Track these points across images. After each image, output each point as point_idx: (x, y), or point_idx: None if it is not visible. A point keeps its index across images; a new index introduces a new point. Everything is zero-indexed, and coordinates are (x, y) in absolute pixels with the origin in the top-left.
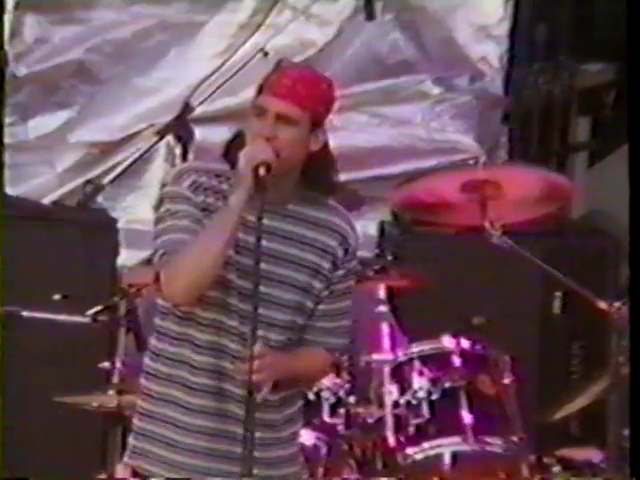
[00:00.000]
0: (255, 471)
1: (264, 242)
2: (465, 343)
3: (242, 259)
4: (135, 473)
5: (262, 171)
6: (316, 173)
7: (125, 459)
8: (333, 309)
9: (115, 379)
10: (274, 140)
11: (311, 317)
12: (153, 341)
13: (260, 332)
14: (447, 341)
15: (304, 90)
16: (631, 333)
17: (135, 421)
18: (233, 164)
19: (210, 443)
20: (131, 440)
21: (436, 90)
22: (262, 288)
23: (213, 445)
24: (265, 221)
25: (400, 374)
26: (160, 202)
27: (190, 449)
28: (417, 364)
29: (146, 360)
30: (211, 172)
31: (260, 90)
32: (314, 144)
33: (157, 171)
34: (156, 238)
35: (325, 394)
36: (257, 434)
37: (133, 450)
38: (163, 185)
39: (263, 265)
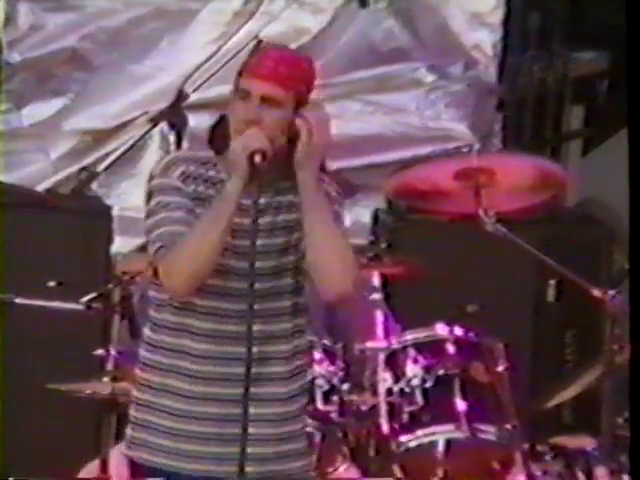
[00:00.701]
0: (269, 449)
1: (248, 219)
2: (459, 331)
3: (238, 242)
4: (133, 463)
5: (257, 159)
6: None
7: (123, 449)
8: None
9: (109, 366)
10: (260, 123)
11: None
12: (148, 332)
13: (271, 304)
14: (441, 329)
15: (286, 70)
16: (631, 320)
17: (132, 412)
18: (218, 150)
19: (217, 428)
20: (129, 431)
21: (430, 78)
22: (263, 263)
23: (220, 430)
24: (246, 200)
25: (394, 362)
26: (150, 195)
27: (197, 436)
28: (411, 352)
29: (142, 352)
30: (198, 160)
31: (240, 74)
32: (300, 125)
33: (151, 158)
34: (150, 232)
35: (319, 382)
36: (268, 410)
37: (132, 441)
38: (151, 177)
39: (260, 241)
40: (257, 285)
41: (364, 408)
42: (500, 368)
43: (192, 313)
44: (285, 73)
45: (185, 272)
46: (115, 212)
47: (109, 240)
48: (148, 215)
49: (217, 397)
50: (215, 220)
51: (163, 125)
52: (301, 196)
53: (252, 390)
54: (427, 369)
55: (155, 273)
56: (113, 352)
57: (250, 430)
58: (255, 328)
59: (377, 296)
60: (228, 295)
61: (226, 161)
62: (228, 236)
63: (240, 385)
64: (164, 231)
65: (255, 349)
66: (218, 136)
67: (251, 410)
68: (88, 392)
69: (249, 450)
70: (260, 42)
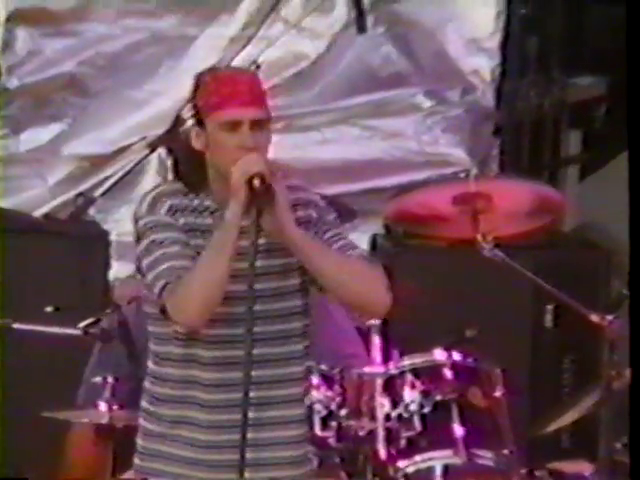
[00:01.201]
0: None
1: (247, 241)
2: (456, 356)
3: (239, 265)
4: None
5: (257, 183)
6: None
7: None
8: (331, 235)
9: (107, 393)
10: (258, 149)
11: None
12: (153, 366)
13: (278, 326)
14: (439, 354)
15: (258, 90)
16: (631, 345)
17: (142, 442)
18: (195, 189)
19: (231, 455)
20: (137, 461)
21: (428, 103)
22: (267, 284)
23: (234, 456)
24: (246, 221)
25: (392, 387)
26: (141, 235)
27: (215, 465)
28: (409, 377)
29: (148, 385)
30: (181, 192)
31: (200, 110)
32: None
33: (149, 184)
34: (149, 271)
35: (316, 407)
36: (273, 413)
37: (141, 470)
38: (139, 218)
39: (260, 262)
40: (273, 305)
41: (362, 433)
42: (498, 393)
43: (199, 343)
44: (259, 93)
45: (198, 303)
46: (113, 237)
47: (107, 265)
48: (143, 255)
49: (228, 424)
50: (221, 247)
51: (161, 150)
52: (285, 243)
53: (264, 414)
54: (425, 394)
55: (163, 311)
56: (110, 379)
57: (265, 455)
58: (258, 351)
59: (375, 321)
60: (235, 321)
61: (209, 190)
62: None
63: (250, 410)
64: (165, 268)
65: (261, 372)
66: (191, 175)
67: (264, 434)
68: (85, 421)
69: (263, 475)
70: (201, 74)
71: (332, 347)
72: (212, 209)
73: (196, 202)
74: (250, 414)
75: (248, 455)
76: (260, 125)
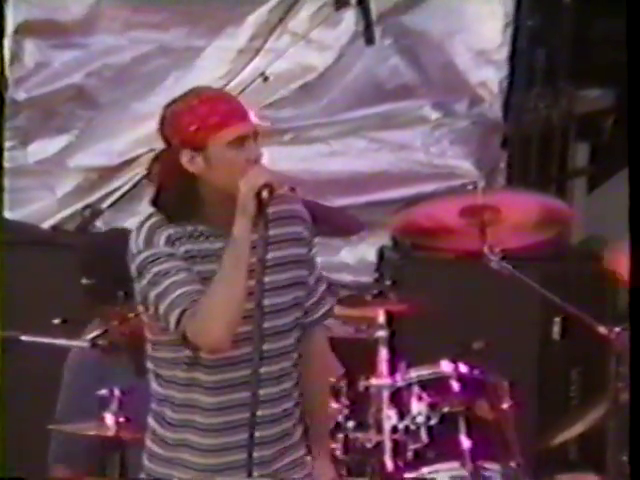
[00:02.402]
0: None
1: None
2: (464, 368)
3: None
4: None
5: (265, 194)
6: None
7: None
8: (315, 278)
9: (113, 406)
10: (260, 159)
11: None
12: (158, 388)
13: (272, 345)
14: (446, 366)
15: (243, 104)
16: (631, 358)
17: (148, 464)
18: (189, 218)
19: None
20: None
21: (435, 115)
22: (272, 300)
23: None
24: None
25: (399, 399)
26: (142, 269)
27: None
28: (416, 389)
29: (155, 406)
30: (169, 221)
31: (195, 134)
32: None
33: None
34: (159, 303)
35: None
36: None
37: None
38: (138, 252)
39: (267, 278)
40: (268, 324)
41: (369, 445)
42: (505, 405)
43: (200, 367)
44: (244, 108)
45: (222, 323)
46: None
47: None
48: (149, 288)
49: (228, 446)
50: (235, 264)
51: None
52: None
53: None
54: (432, 406)
55: (185, 338)
56: (117, 392)
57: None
58: (263, 370)
59: (382, 333)
60: (239, 341)
61: (199, 215)
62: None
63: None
64: (179, 295)
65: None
66: (180, 203)
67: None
68: (91, 433)
69: None
70: (174, 101)
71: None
72: (207, 234)
73: (190, 229)
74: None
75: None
76: (256, 137)
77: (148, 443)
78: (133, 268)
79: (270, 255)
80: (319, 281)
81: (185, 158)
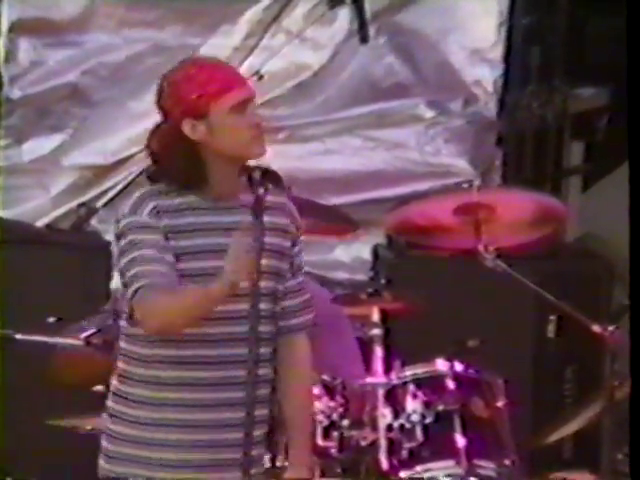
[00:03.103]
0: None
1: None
2: (459, 366)
3: (215, 263)
4: None
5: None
6: None
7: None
8: (297, 284)
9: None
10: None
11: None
12: (131, 368)
13: (247, 327)
14: (441, 364)
15: (238, 71)
16: (631, 357)
17: (119, 448)
18: (198, 185)
19: (213, 454)
20: (107, 466)
21: (430, 113)
22: (264, 283)
23: (216, 456)
24: (228, 217)
25: (394, 397)
26: (120, 235)
27: (194, 465)
28: (411, 387)
29: (124, 387)
30: (169, 192)
31: (197, 101)
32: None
33: None
34: (124, 272)
35: (318, 417)
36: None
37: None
38: (121, 218)
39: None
40: (243, 306)
41: (364, 444)
42: (500, 404)
43: (192, 343)
44: (240, 74)
45: (166, 324)
46: None
47: (108, 276)
48: (120, 255)
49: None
50: (205, 304)
51: None
52: None
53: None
54: (427, 405)
55: (132, 311)
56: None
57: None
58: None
59: (377, 331)
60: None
61: (204, 184)
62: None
63: (237, 410)
64: (139, 272)
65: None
66: (191, 172)
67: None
68: (88, 428)
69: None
70: (169, 73)
71: (336, 363)
72: (194, 206)
73: (177, 201)
74: (228, 414)
75: (209, 456)
76: (253, 102)
77: (113, 426)
78: (114, 231)
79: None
80: (303, 288)
81: (187, 127)
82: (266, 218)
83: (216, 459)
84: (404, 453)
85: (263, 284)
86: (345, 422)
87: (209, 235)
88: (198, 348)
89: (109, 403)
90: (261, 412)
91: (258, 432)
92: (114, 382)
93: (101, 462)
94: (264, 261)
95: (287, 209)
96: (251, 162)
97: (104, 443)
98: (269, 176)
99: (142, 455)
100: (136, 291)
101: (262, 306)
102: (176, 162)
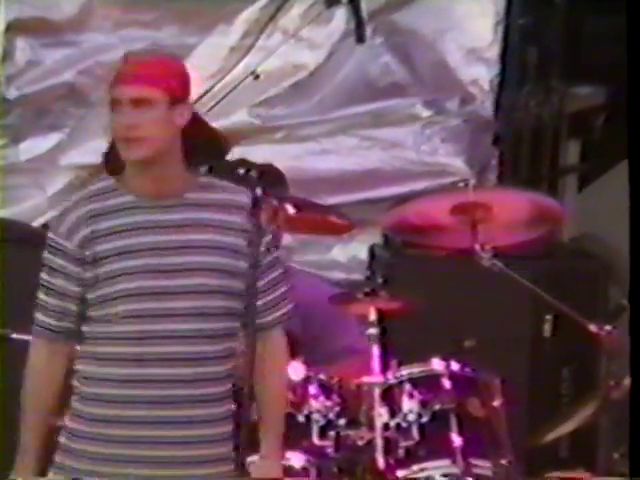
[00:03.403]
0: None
1: (171, 236)
2: (455, 366)
3: (153, 261)
4: None
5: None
6: (199, 154)
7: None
8: (267, 282)
9: None
10: (137, 127)
11: (249, 298)
12: (85, 367)
13: (193, 325)
14: (437, 364)
15: (151, 69)
16: (631, 356)
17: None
18: (115, 171)
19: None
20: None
21: (426, 113)
22: (185, 280)
23: (152, 453)
24: (167, 216)
25: (390, 397)
26: (45, 246)
27: (133, 460)
28: (407, 387)
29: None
30: (98, 193)
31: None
32: (179, 120)
33: None
34: (40, 292)
35: (315, 416)
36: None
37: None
38: (49, 226)
39: (179, 258)
40: (188, 303)
41: (360, 443)
42: (496, 403)
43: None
44: (150, 72)
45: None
46: None
47: None
48: (42, 269)
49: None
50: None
51: None
52: None
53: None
54: (423, 404)
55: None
56: None
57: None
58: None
59: (373, 331)
60: (147, 317)
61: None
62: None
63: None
64: (42, 300)
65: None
66: (111, 160)
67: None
68: None
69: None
70: (127, 54)
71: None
72: (127, 205)
73: (110, 202)
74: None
75: (164, 453)
76: (144, 104)
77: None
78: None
79: (184, 237)
80: (275, 285)
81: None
82: (206, 215)
83: (162, 456)
84: (400, 452)
85: (213, 281)
86: (342, 421)
87: (146, 234)
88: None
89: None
90: (218, 410)
91: (222, 429)
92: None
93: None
94: (195, 258)
95: (240, 207)
96: (253, 159)
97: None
98: (269, 174)
99: (94, 451)
100: (35, 324)
101: (211, 303)
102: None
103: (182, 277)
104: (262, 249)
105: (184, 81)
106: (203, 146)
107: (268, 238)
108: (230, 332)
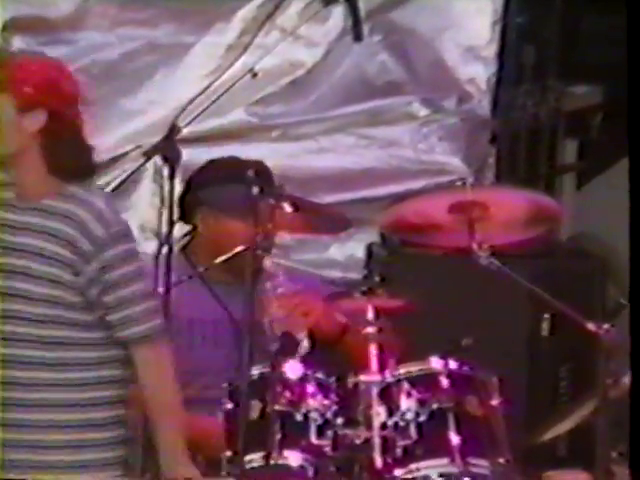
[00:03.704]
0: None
1: (17, 238)
2: (453, 364)
3: (1, 259)
4: None
5: None
6: (60, 160)
7: None
8: (117, 299)
9: None
10: None
11: (102, 311)
12: None
13: (23, 329)
14: (435, 362)
15: (5, 74)
16: (631, 355)
17: None
18: None
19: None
20: None
21: (424, 111)
22: (20, 284)
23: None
24: (16, 217)
25: (388, 395)
26: None
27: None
28: (405, 385)
29: None
30: None
31: None
32: (30, 126)
33: (145, 192)
34: None
35: (312, 415)
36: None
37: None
38: None
39: (19, 261)
40: (19, 306)
41: (358, 442)
42: (494, 402)
43: None
44: (14, 78)
45: None
46: None
47: None
48: None
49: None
50: None
51: (156, 159)
52: None
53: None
54: (421, 403)
55: None
56: None
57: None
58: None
59: (371, 329)
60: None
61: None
62: None
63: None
64: None
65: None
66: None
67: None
68: None
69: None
70: None
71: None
72: (6, 202)
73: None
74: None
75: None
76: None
77: None
78: None
79: (23, 240)
80: (130, 301)
81: None
82: (36, 220)
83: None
84: (398, 451)
85: (44, 290)
86: (339, 420)
87: (3, 232)
88: None
89: None
90: (99, 414)
91: (109, 434)
92: None
93: None
94: (15, 261)
95: (72, 218)
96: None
97: None
98: (261, 174)
99: None
100: None
101: (40, 310)
102: None
103: (12, 280)
104: (97, 265)
105: (43, 86)
106: (68, 156)
107: (110, 254)
108: (60, 341)
